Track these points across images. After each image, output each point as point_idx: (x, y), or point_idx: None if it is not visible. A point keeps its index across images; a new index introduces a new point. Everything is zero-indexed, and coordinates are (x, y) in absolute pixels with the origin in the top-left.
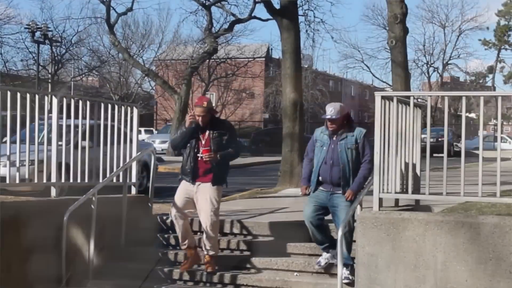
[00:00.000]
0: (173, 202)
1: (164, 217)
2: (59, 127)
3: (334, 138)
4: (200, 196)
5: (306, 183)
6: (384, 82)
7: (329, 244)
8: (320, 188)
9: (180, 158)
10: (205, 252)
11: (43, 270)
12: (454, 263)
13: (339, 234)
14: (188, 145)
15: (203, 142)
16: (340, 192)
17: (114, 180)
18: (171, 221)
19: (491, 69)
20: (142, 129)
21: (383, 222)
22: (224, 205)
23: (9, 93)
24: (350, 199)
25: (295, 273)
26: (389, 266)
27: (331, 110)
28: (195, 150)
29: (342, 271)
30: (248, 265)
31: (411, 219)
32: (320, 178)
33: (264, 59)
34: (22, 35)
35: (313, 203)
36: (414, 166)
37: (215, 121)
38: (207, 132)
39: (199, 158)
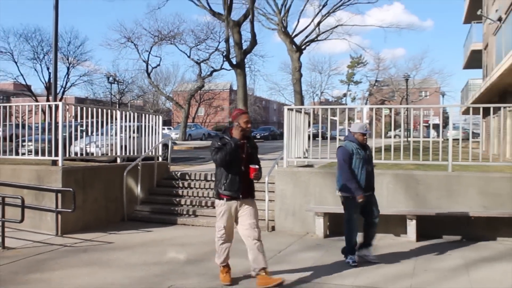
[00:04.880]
0: (223, 226)
1: (177, 173)
2: (121, 126)
3: (364, 151)
4: (246, 211)
5: (362, 191)
6: (291, 102)
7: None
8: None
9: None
10: (261, 266)
11: (113, 200)
12: (324, 192)
13: (376, 220)
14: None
15: (244, 156)
16: (371, 192)
17: (150, 154)
18: (179, 174)
19: (344, 95)
20: (165, 127)
21: (289, 173)
22: (207, 164)
23: (94, 109)
24: None
25: None
26: (292, 195)
27: (366, 126)
28: (240, 166)
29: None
30: None
31: (303, 171)
32: (366, 184)
33: (228, 89)
34: (102, 79)
35: (357, 212)
36: (304, 144)
37: (247, 136)
38: (245, 147)
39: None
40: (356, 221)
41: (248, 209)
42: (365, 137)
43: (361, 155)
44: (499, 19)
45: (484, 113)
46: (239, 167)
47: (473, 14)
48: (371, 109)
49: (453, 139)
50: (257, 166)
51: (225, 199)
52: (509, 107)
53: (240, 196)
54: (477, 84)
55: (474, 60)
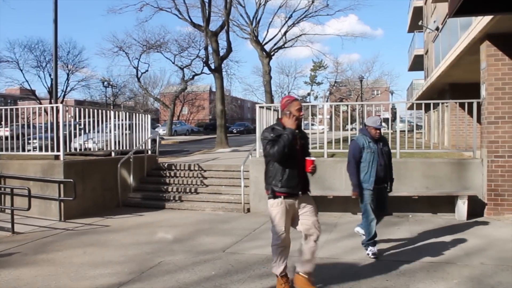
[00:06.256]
0: (283, 229)
1: (165, 164)
2: (115, 125)
3: (377, 144)
4: (307, 209)
5: (359, 189)
6: (263, 100)
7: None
8: (375, 186)
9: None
10: (306, 270)
11: (109, 189)
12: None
13: (380, 214)
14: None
15: (299, 148)
16: (384, 185)
17: (140, 148)
18: (171, 164)
19: (308, 94)
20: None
21: (261, 162)
22: (190, 156)
23: (91, 110)
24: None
25: (223, 186)
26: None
27: (380, 121)
28: (297, 158)
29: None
30: (202, 183)
31: None
32: (376, 177)
33: (208, 91)
34: (98, 83)
35: (373, 204)
36: None
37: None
38: (298, 138)
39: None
40: (373, 212)
41: (309, 207)
42: (377, 131)
43: (372, 148)
44: (437, 29)
45: (426, 108)
46: (296, 160)
47: (416, 24)
48: (331, 106)
49: (400, 131)
50: (314, 159)
51: (282, 197)
52: (446, 103)
53: (300, 192)
54: (420, 83)
55: (417, 63)
